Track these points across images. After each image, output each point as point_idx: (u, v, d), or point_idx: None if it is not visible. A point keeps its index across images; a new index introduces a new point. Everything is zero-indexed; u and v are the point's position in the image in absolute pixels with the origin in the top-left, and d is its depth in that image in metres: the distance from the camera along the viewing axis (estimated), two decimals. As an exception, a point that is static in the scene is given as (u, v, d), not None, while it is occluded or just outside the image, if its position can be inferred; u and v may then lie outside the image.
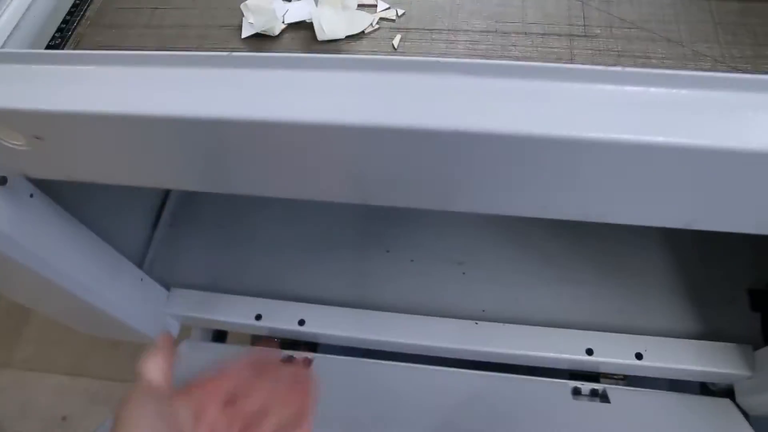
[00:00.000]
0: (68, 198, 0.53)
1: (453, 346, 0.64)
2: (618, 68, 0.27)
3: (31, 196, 0.47)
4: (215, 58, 0.31)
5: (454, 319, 0.65)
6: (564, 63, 0.40)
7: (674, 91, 0.29)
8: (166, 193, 0.80)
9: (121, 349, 1.18)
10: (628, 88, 0.29)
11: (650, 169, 0.28)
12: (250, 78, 0.30)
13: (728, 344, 0.61)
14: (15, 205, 0.45)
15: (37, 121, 0.32)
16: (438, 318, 0.66)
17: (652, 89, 0.29)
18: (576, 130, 0.27)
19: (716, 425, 0.61)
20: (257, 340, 0.80)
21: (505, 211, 0.34)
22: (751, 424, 0.61)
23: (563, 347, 0.63)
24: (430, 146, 0.29)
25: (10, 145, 0.35)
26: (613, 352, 0.62)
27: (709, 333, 0.63)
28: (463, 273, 0.71)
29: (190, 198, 0.80)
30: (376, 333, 0.65)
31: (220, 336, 0.85)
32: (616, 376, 0.66)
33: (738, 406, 0.63)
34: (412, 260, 0.73)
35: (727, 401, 0.63)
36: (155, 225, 0.77)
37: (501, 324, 0.65)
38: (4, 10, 0.45)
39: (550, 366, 0.65)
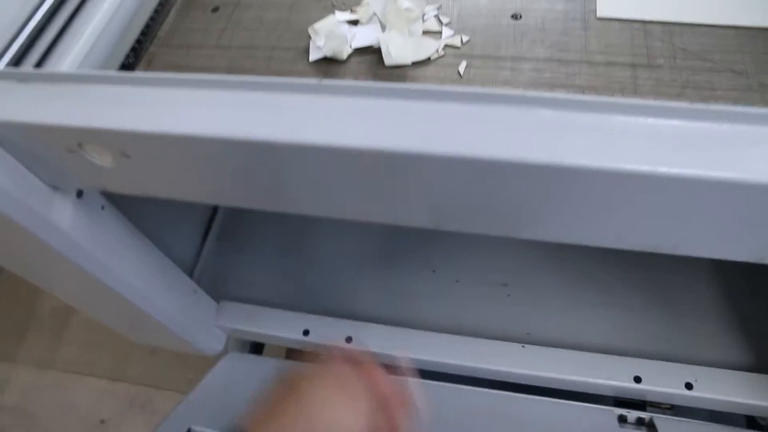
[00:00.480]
0: (129, 208, 0.55)
1: (500, 369, 0.64)
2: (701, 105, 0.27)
3: (102, 208, 0.49)
4: (304, 85, 0.32)
5: (500, 341, 0.65)
6: (629, 94, 0.40)
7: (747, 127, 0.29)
8: (216, 207, 0.82)
9: (159, 356, 1.20)
10: (699, 124, 0.30)
11: (731, 204, 0.28)
12: (333, 105, 0.31)
13: (781, 377, 0.60)
14: (88, 216, 0.47)
15: (129, 140, 0.34)
16: (484, 339, 0.66)
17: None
18: (658, 165, 0.27)
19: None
20: (291, 353, 0.81)
21: (582, 240, 0.35)
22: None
23: (611, 374, 0.62)
24: (517, 179, 0.29)
25: (98, 163, 0.37)
26: (663, 381, 0.61)
27: (758, 366, 0.62)
28: (508, 295, 0.71)
29: (238, 212, 0.82)
30: (422, 353, 0.65)
31: (256, 349, 0.87)
32: (663, 405, 0.65)
33: (790, 442, 0.61)
34: (457, 281, 0.73)
35: (779, 436, 0.62)
36: (205, 237, 0.79)
37: (548, 348, 0.64)
38: (85, 31, 0.47)
39: (598, 392, 0.64)
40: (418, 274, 0.73)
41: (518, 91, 0.29)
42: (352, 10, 0.48)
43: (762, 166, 0.28)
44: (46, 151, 0.38)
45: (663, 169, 0.28)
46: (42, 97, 0.36)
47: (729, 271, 0.69)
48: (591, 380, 0.62)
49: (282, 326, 0.69)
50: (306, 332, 0.68)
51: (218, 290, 0.74)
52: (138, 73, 0.41)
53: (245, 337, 0.77)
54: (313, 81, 0.31)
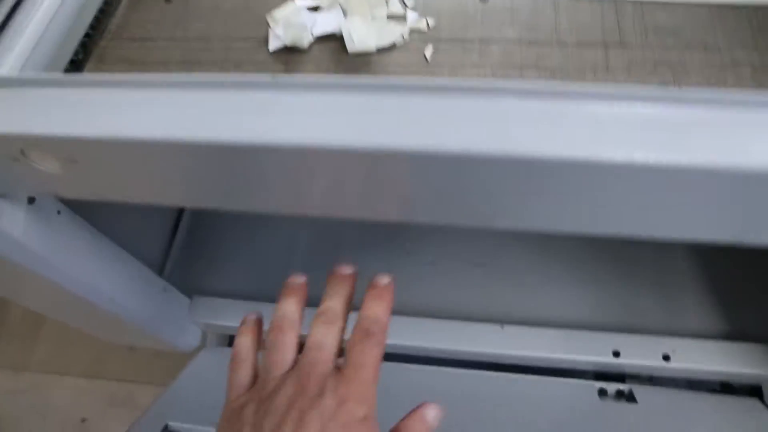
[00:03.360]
0: (89, 210, 0.53)
1: (480, 350, 0.64)
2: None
3: (59, 212, 0.46)
4: (256, 83, 0.30)
5: (478, 323, 0.65)
6: (601, 74, 0.39)
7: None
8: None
9: (138, 351, 1.18)
10: (672, 108, 0.29)
11: (705, 190, 0.28)
12: (287, 102, 0.30)
13: (756, 344, 0.61)
14: (42, 222, 0.45)
15: (74, 146, 0.32)
16: (462, 322, 0.65)
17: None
18: (632, 152, 0.26)
19: (744, 425, 0.61)
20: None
21: (558, 229, 0.34)
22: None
23: (590, 349, 0.62)
24: (489, 172, 0.28)
25: (46, 170, 0.35)
26: (640, 354, 0.62)
27: (736, 334, 0.63)
28: (484, 275, 0.71)
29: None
30: (398, 337, 0.65)
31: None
32: (641, 377, 0.66)
33: (766, 405, 0.63)
34: (432, 263, 0.72)
35: (755, 401, 0.63)
36: (174, 233, 0.77)
37: (527, 327, 0.64)
38: (27, 26, 0.44)
39: (578, 368, 0.65)
40: (392, 258, 0.72)
41: (485, 81, 0.28)
42: (312, -5, 0.46)
43: (737, 150, 0.27)
44: (-12, 161, 0.35)
45: (638, 157, 0.27)
46: (-22, 104, 0.33)
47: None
48: (570, 357, 0.63)
49: (257, 320, 0.67)
50: (283, 325, 0.66)
51: (190, 286, 0.72)
52: (81, 76, 0.38)
53: (219, 331, 0.75)
54: (266, 77, 0.29)
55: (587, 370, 0.66)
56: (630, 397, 0.65)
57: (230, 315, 0.69)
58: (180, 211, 0.79)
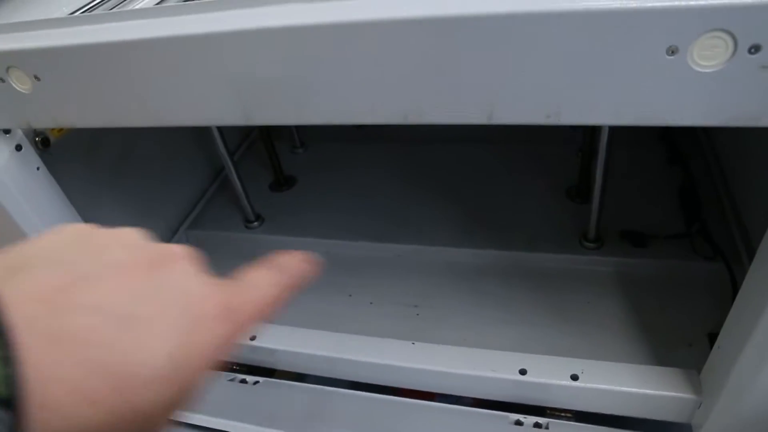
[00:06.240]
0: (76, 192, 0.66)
1: (388, 363, 0.65)
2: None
3: (38, 168, 0.61)
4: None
5: (391, 339, 0.67)
6: None
7: None
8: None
9: None
10: None
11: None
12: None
13: (671, 368, 0.59)
14: (24, 169, 0.59)
15: (37, 59, 0.47)
16: (376, 338, 0.68)
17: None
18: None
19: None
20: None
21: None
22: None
23: (497, 366, 0.62)
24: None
25: (19, 89, 0.50)
26: (548, 373, 0.61)
27: (645, 359, 0.61)
28: (417, 314, 0.74)
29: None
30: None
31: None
32: (562, 412, 0.63)
33: (696, 446, 0.57)
34: (371, 303, 0.77)
35: (683, 440, 0.58)
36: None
37: (438, 345, 0.66)
38: None
39: (488, 392, 0.64)
40: (335, 298, 0.78)
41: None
42: None
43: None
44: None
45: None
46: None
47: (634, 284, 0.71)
48: (477, 373, 0.62)
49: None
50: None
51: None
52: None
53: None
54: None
55: (507, 402, 0.64)
56: (546, 429, 0.61)
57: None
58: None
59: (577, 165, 0.83)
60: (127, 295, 0.21)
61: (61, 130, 0.66)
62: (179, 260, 0.24)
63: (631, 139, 0.88)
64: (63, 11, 0.56)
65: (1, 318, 0.17)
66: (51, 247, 0.22)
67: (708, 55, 0.33)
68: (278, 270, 0.28)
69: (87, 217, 0.67)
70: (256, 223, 0.91)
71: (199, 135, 0.94)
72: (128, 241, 0.24)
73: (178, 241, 0.92)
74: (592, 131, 0.74)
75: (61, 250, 0.22)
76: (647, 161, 0.88)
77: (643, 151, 0.89)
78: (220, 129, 0.82)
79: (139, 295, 0.21)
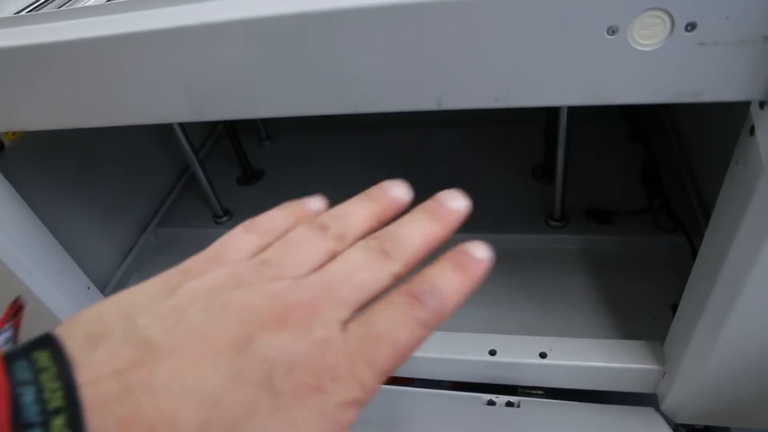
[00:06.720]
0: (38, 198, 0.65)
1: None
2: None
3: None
4: None
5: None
6: None
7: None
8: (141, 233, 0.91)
9: None
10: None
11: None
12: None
13: (636, 341, 0.60)
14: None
15: None
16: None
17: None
18: None
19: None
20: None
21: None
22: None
23: (466, 348, 0.63)
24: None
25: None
26: (517, 352, 0.62)
27: (613, 334, 0.62)
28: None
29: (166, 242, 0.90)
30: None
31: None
32: (533, 390, 0.64)
33: (662, 414, 0.59)
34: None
35: (650, 409, 0.60)
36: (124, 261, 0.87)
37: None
38: None
39: (459, 374, 0.64)
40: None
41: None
42: None
43: None
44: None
45: None
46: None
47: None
48: (448, 356, 0.63)
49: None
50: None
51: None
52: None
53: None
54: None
55: (479, 383, 0.65)
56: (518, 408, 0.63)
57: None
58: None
59: (542, 145, 0.84)
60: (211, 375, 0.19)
61: (15, 133, 0.65)
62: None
63: (594, 116, 0.89)
64: (11, 10, 0.55)
65: (75, 397, 0.17)
66: (133, 304, 0.21)
67: (647, 34, 0.33)
68: (423, 301, 0.22)
69: (52, 224, 0.66)
70: (224, 218, 0.90)
71: (162, 132, 0.93)
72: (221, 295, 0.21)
73: (147, 240, 0.91)
74: (555, 110, 0.74)
75: (141, 313, 0.20)
76: (610, 139, 0.89)
77: (606, 128, 0.91)
78: (182, 125, 0.81)
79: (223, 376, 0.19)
